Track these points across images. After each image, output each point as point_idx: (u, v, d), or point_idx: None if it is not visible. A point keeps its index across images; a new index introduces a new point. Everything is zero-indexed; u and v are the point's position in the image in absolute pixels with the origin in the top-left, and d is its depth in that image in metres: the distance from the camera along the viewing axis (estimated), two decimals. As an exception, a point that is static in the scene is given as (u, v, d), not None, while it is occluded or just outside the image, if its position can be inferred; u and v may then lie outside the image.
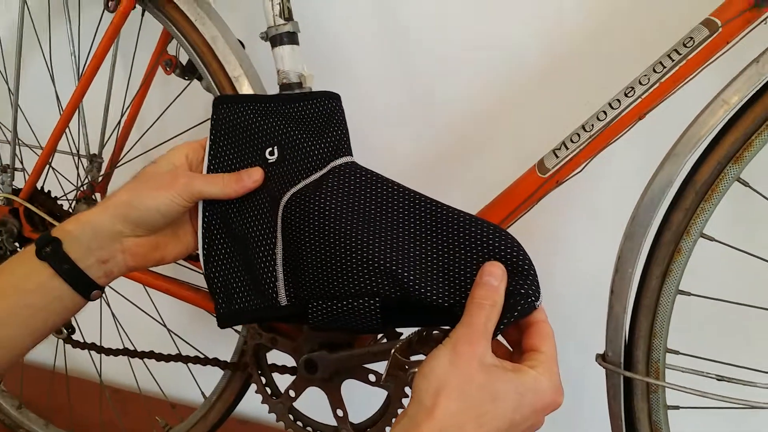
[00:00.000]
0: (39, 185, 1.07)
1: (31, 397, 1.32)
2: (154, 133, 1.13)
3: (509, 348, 0.61)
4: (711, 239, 0.72)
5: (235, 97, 0.77)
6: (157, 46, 1.04)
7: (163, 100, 1.15)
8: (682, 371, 0.76)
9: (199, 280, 1.00)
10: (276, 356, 0.91)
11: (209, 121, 0.74)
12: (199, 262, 0.98)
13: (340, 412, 0.85)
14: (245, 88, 0.90)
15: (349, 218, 0.66)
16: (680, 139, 0.70)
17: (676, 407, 0.77)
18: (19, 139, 1.09)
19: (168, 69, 0.99)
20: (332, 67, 1.07)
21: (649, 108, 0.71)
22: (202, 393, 1.08)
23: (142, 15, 1.01)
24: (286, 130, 0.74)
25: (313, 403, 0.88)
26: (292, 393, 0.88)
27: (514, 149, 1.00)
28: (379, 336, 0.89)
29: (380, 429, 0.86)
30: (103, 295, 0.70)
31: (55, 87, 1.18)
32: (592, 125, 0.73)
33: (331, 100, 0.76)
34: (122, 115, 1.11)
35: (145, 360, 1.03)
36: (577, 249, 1.01)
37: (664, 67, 0.70)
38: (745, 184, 0.71)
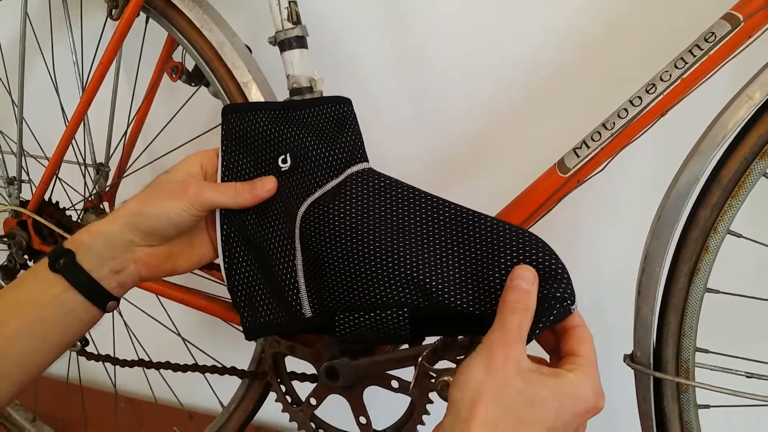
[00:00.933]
0: (46, 196, 1.05)
1: (45, 410, 1.32)
2: (160, 141, 1.11)
3: (544, 358, 0.60)
4: (738, 236, 0.71)
5: (244, 106, 0.76)
6: (162, 53, 1.03)
7: (168, 107, 1.14)
8: (712, 369, 0.75)
9: (213, 288, 0.99)
10: (294, 363, 0.90)
11: (220, 132, 0.72)
12: (214, 270, 0.99)
13: (363, 420, 0.84)
14: (254, 94, 0.89)
15: (371, 227, 0.65)
16: (705, 136, 0.69)
17: (707, 406, 0.76)
18: (24, 150, 1.08)
19: (174, 76, 0.98)
20: (340, 72, 1.05)
21: (671, 104, 0.70)
22: (220, 402, 1.08)
23: (146, 22, 1.00)
24: (298, 137, 0.72)
25: (334, 410, 0.87)
26: (313, 401, 0.87)
27: (528, 151, 0.99)
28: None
29: (404, 436, 0.85)
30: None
31: (59, 97, 1.16)
32: (614, 123, 0.72)
33: (343, 104, 0.75)
34: (129, 124, 1.10)
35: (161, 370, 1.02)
36: (596, 249, 1.01)
37: (686, 63, 0.69)
38: (772, 179, 0.70)
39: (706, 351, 0.75)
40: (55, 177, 1.03)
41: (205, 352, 1.14)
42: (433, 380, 0.63)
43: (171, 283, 0.97)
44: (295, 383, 0.91)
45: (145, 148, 1.12)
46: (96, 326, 0.68)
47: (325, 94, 0.82)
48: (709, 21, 0.69)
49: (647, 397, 0.76)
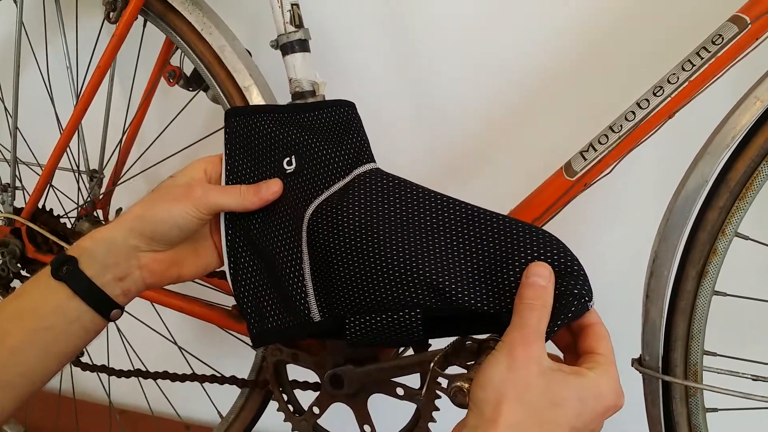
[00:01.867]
0: (40, 204, 1.04)
1: (37, 423, 1.29)
2: (155, 148, 1.10)
3: (558, 356, 0.59)
4: (746, 238, 0.71)
5: (247, 109, 0.75)
6: (160, 57, 1.02)
7: (163, 113, 1.13)
8: (719, 372, 0.75)
9: (211, 295, 0.98)
10: (295, 372, 0.89)
11: (223, 135, 0.71)
12: (214, 278, 0.97)
13: (367, 428, 0.83)
14: (255, 97, 0.88)
15: (380, 228, 0.64)
16: (713, 138, 0.69)
17: (715, 409, 0.76)
18: (17, 157, 1.06)
19: (171, 80, 0.97)
20: (342, 75, 1.05)
21: (678, 107, 0.70)
22: (219, 413, 1.06)
23: (144, 26, 0.99)
24: (303, 139, 0.71)
25: (338, 419, 0.86)
26: (316, 410, 0.86)
27: (534, 154, 0.99)
28: (402, 348, 0.88)
29: (409, 443, 0.84)
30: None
31: (53, 103, 1.15)
32: (621, 126, 0.71)
33: (347, 108, 0.74)
34: (124, 130, 1.08)
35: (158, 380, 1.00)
36: (601, 251, 1.01)
37: (693, 65, 0.69)
38: (780, 180, 0.70)
39: (713, 354, 0.75)
40: (49, 184, 1.02)
41: (202, 361, 1.12)
42: (444, 386, 0.63)
43: (169, 291, 0.95)
44: (297, 392, 0.90)
45: (141, 155, 1.11)
46: (99, 334, 0.67)
47: (327, 98, 0.82)
48: (716, 23, 0.69)
49: (656, 401, 0.76)
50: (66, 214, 1.11)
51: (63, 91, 1.15)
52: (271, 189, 0.68)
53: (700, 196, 0.70)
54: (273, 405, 0.90)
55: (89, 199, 1.10)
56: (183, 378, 0.97)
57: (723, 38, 0.68)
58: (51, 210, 1.07)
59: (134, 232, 0.64)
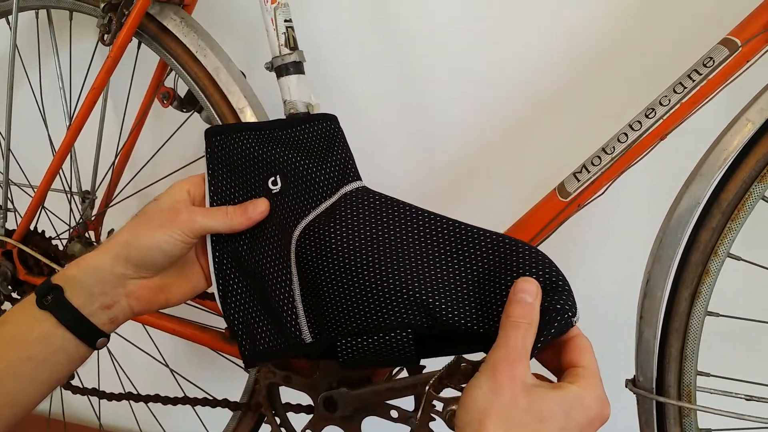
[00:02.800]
0: (32, 226, 1.03)
1: (26, 446, 1.27)
2: (147, 170, 1.10)
3: (546, 373, 0.59)
4: (738, 259, 0.72)
5: (228, 127, 0.74)
6: (153, 79, 1.02)
7: (156, 135, 1.13)
8: (712, 393, 0.75)
9: (203, 317, 0.98)
10: (288, 394, 0.88)
11: (205, 155, 0.71)
12: (207, 300, 0.97)
13: (361, 451, 0.83)
14: (249, 119, 0.88)
15: (369, 248, 0.63)
16: (705, 159, 0.69)
17: (709, 430, 0.76)
18: (9, 179, 1.06)
19: (165, 101, 0.97)
20: (334, 98, 1.05)
21: (670, 128, 0.71)
22: (210, 435, 1.05)
23: (138, 47, 0.99)
24: (287, 158, 0.71)
25: (331, 441, 0.86)
26: (309, 432, 0.85)
27: (526, 174, 1.00)
28: (396, 370, 0.87)
29: (404, 466, 0.83)
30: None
31: (46, 125, 1.15)
32: (614, 147, 0.72)
33: (329, 122, 0.73)
34: (117, 152, 1.08)
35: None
36: (593, 272, 1.01)
37: (685, 88, 0.70)
38: (771, 202, 0.71)
39: (707, 374, 0.75)
40: (41, 206, 1.01)
41: (194, 384, 1.11)
42: (439, 409, 0.62)
43: (161, 313, 0.95)
44: (291, 415, 0.89)
45: (133, 177, 1.11)
46: (85, 362, 0.66)
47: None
48: (707, 46, 0.70)
49: (650, 421, 0.75)
50: (58, 235, 1.11)
51: (56, 113, 1.15)
52: (258, 209, 0.68)
53: (692, 217, 0.70)
54: (266, 428, 0.89)
55: (81, 220, 1.10)
56: (174, 401, 0.96)
57: (714, 61, 0.69)
58: (43, 232, 1.06)
59: (120, 259, 0.63)
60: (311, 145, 0.72)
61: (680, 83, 0.70)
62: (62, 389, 1.03)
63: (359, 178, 0.71)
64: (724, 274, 0.71)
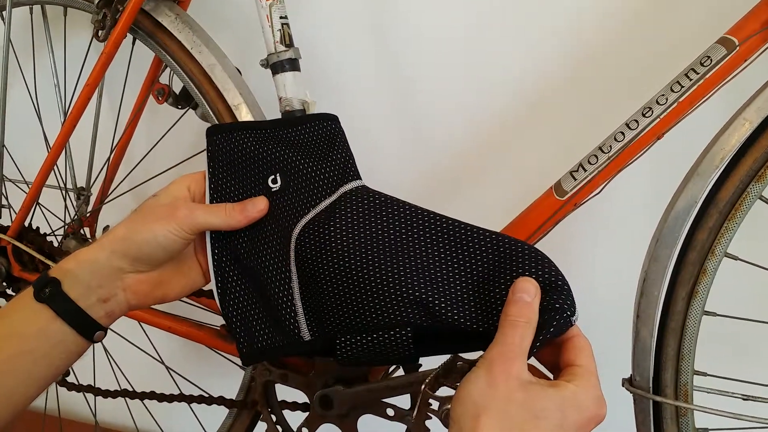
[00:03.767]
0: (26, 222, 1.03)
1: (21, 443, 1.27)
2: (143, 166, 1.10)
3: (545, 373, 0.59)
4: (735, 258, 0.72)
5: (229, 126, 0.74)
6: (148, 75, 1.02)
7: (152, 131, 1.13)
8: (709, 392, 0.75)
9: (199, 315, 0.97)
10: (284, 392, 0.88)
11: (206, 153, 0.71)
12: (203, 297, 0.97)
13: (357, 449, 0.83)
14: (244, 116, 0.88)
15: (368, 247, 0.63)
16: (702, 158, 0.69)
17: (706, 430, 0.76)
18: (4, 175, 1.05)
19: (160, 98, 0.97)
20: (332, 95, 1.05)
21: (667, 128, 0.71)
22: (206, 432, 1.05)
23: (133, 44, 0.99)
24: (287, 157, 0.71)
25: (327, 440, 0.86)
26: (305, 431, 0.85)
27: (523, 173, 0.99)
28: (392, 368, 0.87)
29: (399, 464, 0.83)
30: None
31: (41, 121, 1.14)
32: (610, 146, 0.72)
33: (330, 122, 0.73)
34: (112, 148, 1.08)
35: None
36: (590, 271, 1.01)
37: (682, 87, 0.69)
38: (768, 201, 0.71)
39: (704, 374, 0.75)
40: (35, 202, 1.01)
41: (190, 381, 1.11)
42: (435, 407, 0.62)
43: (157, 310, 0.95)
44: (287, 412, 0.89)
45: (128, 173, 1.10)
46: (82, 356, 0.66)
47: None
48: (705, 45, 0.69)
49: (647, 421, 0.75)
50: (53, 232, 1.10)
51: (51, 109, 1.14)
52: (257, 207, 0.67)
53: (689, 216, 0.70)
54: (262, 426, 0.89)
55: (76, 217, 1.09)
56: (170, 398, 0.96)
57: (711, 60, 0.68)
58: (38, 228, 1.06)
59: (118, 253, 0.63)
60: (312, 145, 0.72)
61: (677, 82, 0.69)
62: (58, 386, 1.03)
63: (359, 178, 0.71)
64: (721, 274, 0.71)
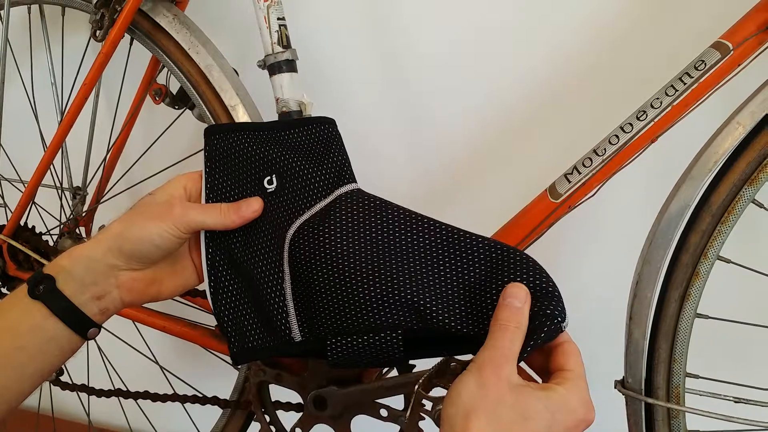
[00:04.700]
0: (22, 221, 1.03)
1: (14, 442, 1.27)
2: (139, 166, 1.10)
3: (535, 376, 0.59)
4: (728, 261, 0.72)
5: (227, 127, 0.74)
6: (146, 75, 1.02)
7: (148, 131, 1.13)
8: (701, 395, 0.75)
9: (193, 315, 0.98)
10: (278, 392, 0.88)
11: (203, 153, 0.71)
12: (192, 297, 0.97)
13: (350, 450, 0.83)
14: (241, 117, 0.88)
15: (362, 250, 0.64)
16: (695, 162, 0.70)
17: (698, 432, 0.76)
18: (0, 174, 1.05)
19: (158, 98, 0.97)
20: (329, 96, 1.05)
21: (661, 131, 0.71)
22: (199, 432, 1.05)
23: (130, 44, 0.99)
24: (284, 158, 0.71)
25: (320, 440, 0.86)
26: (298, 431, 0.85)
27: (519, 176, 1.00)
28: (386, 369, 0.87)
29: (393, 464, 0.83)
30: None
31: (37, 120, 1.14)
32: (605, 149, 0.72)
33: (328, 125, 0.74)
34: (108, 148, 1.08)
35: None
36: (583, 273, 1.01)
37: (676, 90, 0.70)
38: (761, 205, 0.71)
39: (696, 376, 0.75)
40: (31, 201, 1.01)
41: (184, 381, 1.11)
42: (428, 408, 0.62)
43: (151, 309, 0.95)
44: (280, 413, 0.89)
45: (125, 173, 1.10)
46: (75, 353, 0.66)
47: (313, 117, 0.82)
48: (700, 49, 0.70)
49: (639, 422, 0.76)
50: (48, 231, 1.10)
51: (47, 108, 1.14)
52: (252, 207, 0.68)
53: (682, 219, 0.70)
54: (255, 426, 0.89)
55: (72, 216, 1.10)
56: (164, 398, 0.96)
57: (705, 64, 0.69)
58: (33, 227, 1.06)
59: (113, 250, 0.63)
60: (309, 147, 0.73)
61: (672, 86, 0.70)
62: (51, 385, 1.03)
63: (354, 181, 0.72)
64: (713, 277, 0.71)
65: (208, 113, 0.90)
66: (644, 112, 0.71)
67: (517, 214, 0.77)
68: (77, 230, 1.09)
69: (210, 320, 0.86)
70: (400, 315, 0.61)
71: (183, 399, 0.95)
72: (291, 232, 0.68)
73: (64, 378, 1.05)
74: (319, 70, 1.06)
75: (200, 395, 0.95)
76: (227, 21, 1.08)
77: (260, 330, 0.67)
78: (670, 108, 0.70)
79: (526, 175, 0.93)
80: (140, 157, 1.08)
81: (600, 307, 0.93)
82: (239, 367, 0.96)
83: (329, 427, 0.84)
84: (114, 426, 1.38)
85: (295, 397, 0.85)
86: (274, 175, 0.70)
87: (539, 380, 0.57)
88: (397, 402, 0.79)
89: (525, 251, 0.75)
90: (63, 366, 1.03)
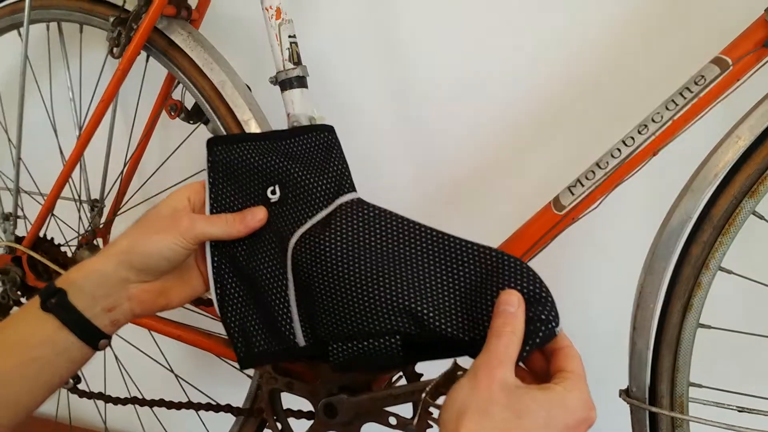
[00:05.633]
0: (41, 233, 1.05)
1: (32, 449, 1.29)
2: (155, 179, 1.12)
3: (536, 378, 0.60)
4: (729, 272, 0.73)
5: (230, 138, 0.76)
6: (162, 91, 1.04)
7: (164, 145, 1.15)
8: (704, 404, 0.76)
9: (207, 324, 1.00)
10: (290, 400, 0.90)
11: (206, 164, 0.73)
12: (206, 306, 0.99)
13: (360, 457, 0.84)
14: (253, 131, 0.90)
15: (361, 258, 0.66)
16: (696, 175, 0.71)
17: (700, 441, 0.77)
18: (20, 187, 1.08)
19: (173, 113, 0.99)
20: (337, 112, 1.07)
21: (662, 144, 0.72)
22: (213, 440, 1.07)
23: (146, 60, 1.01)
24: (286, 168, 0.73)
25: (331, 447, 0.87)
26: (309, 438, 0.87)
27: (524, 188, 1.01)
28: (395, 377, 0.89)
29: (402, 472, 0.85)
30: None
31: (56, 134, 1.17)
32: (607, 162, 0.74)
33: (327, 133, 0.76)
34: (126, 161, 1.10)
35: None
36: (587, 284, 1.02)
37: (677, 105, 0.71)
38: (761, 217, 0.72)
39: (699, 386, 0.76)
40: (50, 214, 1.03)
41: (198, 389, 1.13)
42: (435, 416, 0.64)
43: (166, 319, 0.97)
44: (292, 420, 0.91)
45: (141, 186, 1.13)
46: (88, 363, 0.68)
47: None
48: (699, 64, 0.71)
49: (643, 431, 0.77)
50: (67, 242, 1.13)
51: (66, 123, 1.17)
52: (257, 217, 0.70)
53: (684, 231, 0.71)
54: (268, 433, 0.91)
55: (90, 228, 1.12)
56: (179, 406, 0.98)
57: (705, 79, 0.70)
58: (52, 239, 1.08)
59: (124, 264, 0.65)
60: (310, 156, 0.74)
61: (672, 100, 0.71)
62: (69, 393, 1.05)
63: (354, 190, 0.73)
64: (715, 287, 0.72)
65: (221, 128, 0.92)
66: (645, 126, 0.72)
67: (521, 227, 0.79)
68: (95, 241, 1.11)
69: (223, 329, 0.88)
70: (398, 321, 0.63)
71: (197, 406, 0.97)
72: (293, 241, 0.70)
73: (82, 386, 1.06)
74: (329, 87, 1.08)
75: (214, 403, 0.97)
76: (240, 38, 1.10)
77: (266, 335, 0.69)
78: (670, 122, 0.71)
79: (529, 188, 0.94)
80: (156, 171, 1.10)
81: (604, 318, 0.94)
82: (252, 375, 0.98)
83: (340, 434, 0.85)
84: (130, 432, 1.40)
85: (306, 405, 0.87)
86: (276, 185, 0.72)
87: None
88: (406, 410, 0.80)
89: (528, 262, 0.77)
90: (80, 374, 1.06)
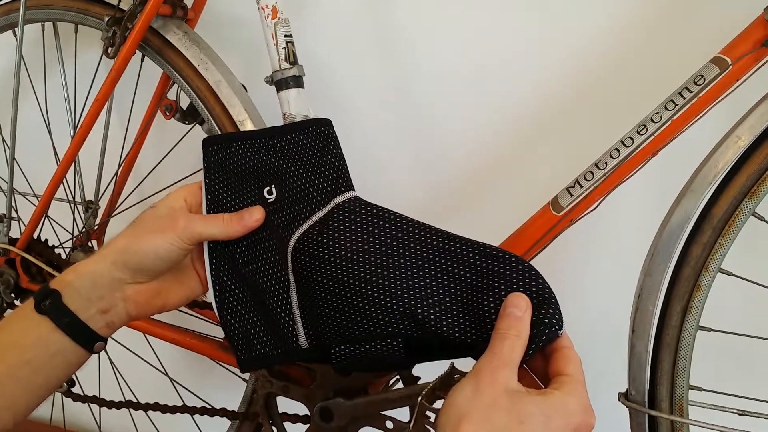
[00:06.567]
0: (35, 234, 1.04)
1: (26, 453, 1.29)
2: (150, 180, 1.11)
3: (537, 380, 0.60)
4: (729, 274, 0.72)
5: (225, 137, 0.75)
6: (157, 91, 1.04)
7: (159, 146, 1.14)
8: (704, 407, 0.75)
9: (202, 327, 0.99)
10: (286, 404, 0.89)
11: (202, 164, 0.72)
12: (201, 309, 0.98)
13: (356, 461, 0.84)
14: (249, 132, 0.90)
15: (361, 259, 0.65)
16: (696, 175, 0.70)
17: (700, 444, 0.76)
18: (14, 188, 1.07)
19: (168, 113, 0.98)
20: (333, 112, 1.06)
21: (662, 145, 0.72)
22: (208, 444, 1.06)
23: (141, 60, 1.01)
24: (282, 167, 0.72)
25: (327, 451, 0.86)
26: (305, 442, 0.86)
27: (522, 189, 1.00)
28: (392, 381, 0.88)
29: (398, 476, 0.84)
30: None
31: (50, 135, 1.16)
32: (606, 163, 0.73)
33: (324, 127, 0.74)
34: (120, 162, 1.10)
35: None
36: (587, 286, 1.02)
37: (676, 105, 0.70)
38: (761, 218, 0.71)
39: (699, 389, 0.75)
40: (44, 215, 1.03)
41: (193, 393, 1.12)
42: (432, 420, 0.63)
43: (161, 322, 0.96)
44: (287, 424, 0.90)
45: (136, 187, 1.12)
46: (82, 366, 0.67)
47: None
48: (698, 64, 0.71)
49: (643, 435, 0.76)
50: (61, 244, 1.12)
51: (60, 123, 1.16)
52: (254, 216, 0.69)
53: (683, 232, 0.71)
54: (263, 437, 0.90)
55: (84, 229, 1.11)
56: (173, 409, 0.97)
57: (704, 79, 0.69)
58: (46, 240, 1.08)
59: (118, 265, 0.64)
60: (305, 153, 0.73)
61: (671, 100, 0.71)
62: (63, 396, 1.04)
63: (352, 188, 0.72)
64: (715, 289, 0.72)
65: (217, 128, 0.91)
66: (644, 126, 0.71)
67: (519, 228, 0.78)
68: (89, 243, 1.10)
69: (219, 332, 0.87)
70: (399, 323, 0.62)
71: (192, 410, 0.97)
72: (292, 242, 0.69)
73: (76, 390, 1.06)
74: (325, 86, 1.07)
75: (209, 407, 0.96)
76: (236, 38, 1.10)
77: (267, 337, 0.68)
78: (670, 122, 0.70)
79: (528, 188, 0.94)
80: (151, 171, 1.10)
81: (603, 320, 0.93)
82: (247, 378, 0.97)
83: (336, 438, 0.84)
84: (125, 437, 1.39)
85: (302, 409, 0.86)
86: (273, 185, 0.71)
87: (543, 387, 0.57)
88: (402, 414, 0.79)
89: (528, 263, 0.77)
90: (75, 378, 1.05)
